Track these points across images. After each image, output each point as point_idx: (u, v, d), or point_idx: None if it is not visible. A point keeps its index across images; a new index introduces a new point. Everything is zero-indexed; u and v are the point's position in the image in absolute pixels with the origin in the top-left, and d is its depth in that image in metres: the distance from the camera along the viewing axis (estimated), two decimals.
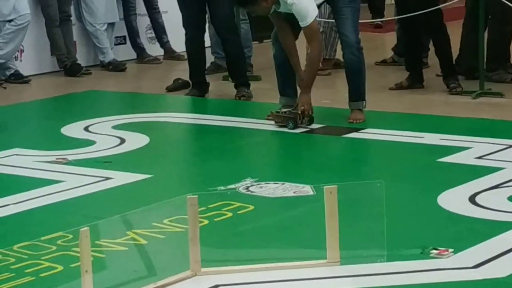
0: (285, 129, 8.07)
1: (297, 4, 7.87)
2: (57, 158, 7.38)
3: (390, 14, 11.38)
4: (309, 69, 8.29)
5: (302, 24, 8.04)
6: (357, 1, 8.46)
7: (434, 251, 5.07)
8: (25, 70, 10.98)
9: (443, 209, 5.83)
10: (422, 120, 8.25)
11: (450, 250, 5.07)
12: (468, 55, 9.56)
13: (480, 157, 6.95)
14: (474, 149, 7.15)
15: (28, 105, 9.73)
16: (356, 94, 8.47)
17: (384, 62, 11.02)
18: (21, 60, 10.99)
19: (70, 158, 7.39)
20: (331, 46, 10.65)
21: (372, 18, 13.46)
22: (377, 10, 13.83)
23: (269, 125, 8.23)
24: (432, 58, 9.93)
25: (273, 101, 8.58)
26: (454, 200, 5.98)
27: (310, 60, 8.36)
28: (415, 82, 9.59)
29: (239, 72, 9.41)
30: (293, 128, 7.90)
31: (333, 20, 10.11)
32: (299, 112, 8.02)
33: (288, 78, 8.52)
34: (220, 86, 9.67)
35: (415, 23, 9.43)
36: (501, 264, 4.90)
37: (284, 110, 8.22)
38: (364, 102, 8.45)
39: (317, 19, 9.48)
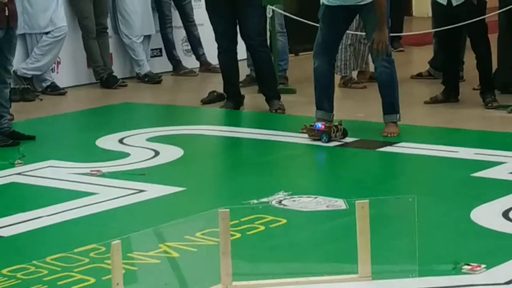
0: (320, 143, 8.07)
1: None
2: (91, 170, 7.40)
3: (424, 27, 11.33)
4: (378, 9, 8.18)
5: None
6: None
7: (466, 266, 5.05)
8: (61, 82, 11.02)
9: (476, 224, 5.81)
10: (457, 135, 8.23)
11: (483, 265, 5.05)
12: (504, 70, 9.52)
13: None
14: (508, 164, 7.12)
15: (64, 117, 9.77)
16: (389, 107, 8.45)
17: (419, 76, 10.98)
18: (57, 72, 11.03)
19: (104, 170, 7.41)
20: (361, 59, 10.62)
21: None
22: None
23: (303, 138, 8.22)
24: (467, 72, 9.88)
25: (308, 115, 8.58)
26: (487, 215, 5.96)
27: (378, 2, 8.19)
28: (450, 96, 9.56)
29: (271, 86, 9.40)
30: (327, 142, 7.89)
31: (361, 33, 10.16)
32: (334, 125, 8.07)
33: (326, 92, 8.53)
34: (255, 99, 9.67)
35: (456, 36, 9.41)
36: None
37: (317, 123, 8.15)
38: (398, 115, 8.43)
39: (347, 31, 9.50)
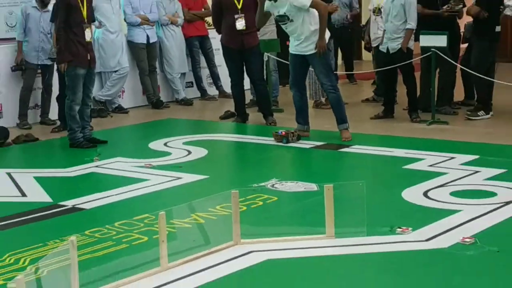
0: (299, 145, 8.06)
1: None
2: (145, 164, 7.42)
3: (370, 68, 11.33)
4: (321, 23, 8.09)
5: (305, 7, 8.00)
6: (326, 57, 8.38)
7: (398, 229, 5.11)
8: (125, 104, 10.99)
9: (406, 201, 5.87)
10: (392, 140, 8.22)
11: (410, 228, 5.11)
12: (424, 97, 9.50)
13: (431, 165, 6.93)
14: (427, 160, 7.12)
15: (127, 128, 9.77)
16: (340, 119, 8.40)
17: (367, 100, 10.96)
18: (122, 98, 11.00)
19: (154, 164, 7.42)
20: (321, 90, 10.60)
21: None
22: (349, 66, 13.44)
23: (290, 143, 8.21)
24: (399, 98, 9.88)
25: (292, 126, 8.56)
26: (413, 194, 5.99)
27: (320, 18, 8.09)
28: (388, 114, 9.53)
29: (266, 107, 9.35)
30: (286, 143, 8.05)
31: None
32: (291, 132, 8.22)
33: (301, 112, 8.57)
34: (256, 116, 9.65)
35: (392, 74, 9.41)
36: (445, 238, 4.94)
37: (280, 131, 8.28)
38: (347, 124, 8.36)
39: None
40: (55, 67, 8.96)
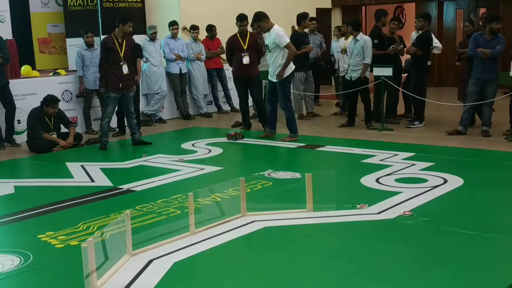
0: (287, 145, 8.06)
1: (281, 35, 8.04)
2: (178, 159, 7.39)
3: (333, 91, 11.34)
4: (286, 60, 8.12)
5: (281, 45, 8.05)
6: (283, 84, 8.26)
7: (358, 205, 5.11)
8: (164, 116, 10.97)
9: (363, 185, 5.86)
10: (353, 142, 8.18)
11: (366, 205, 5.09)
12: (376, 110, 9.51)
13: (381, 160, 6.91)
14: (378, 156, 7.11)
15: (165, 134, 9.76)
16: (292, 129, 8.45)
17: (335, 114, 10.95)
18: (162, 112, 10.98)
19: (184, 159, 7.39)
20: (308, 105, 10.57)
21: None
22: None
23: (283, 143, 8.21)
24: (358, 111, 9.86)
25: (282, 132, 8.56)
26: (368, 180, 5.98)
27: (287, 56, 8.11)
28: (351, 123, 9.50)
29: (264, 118, 9.26)
30: (235, 140, 8.44)
31: (300, 92, 10.15)
32: (239, 132, 8.65)
33: (271, 120, 8.66)
34: (257, 125, 9.64)
35: (353, 95, 9.38)
36: (391, 212, 4.93)
37: (231, 132, 8.66)
38: (295, 134, 8.43)
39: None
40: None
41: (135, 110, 9.42)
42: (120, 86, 8.14)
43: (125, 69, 8.13)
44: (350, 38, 9.67)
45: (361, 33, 9.32)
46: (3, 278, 3.80)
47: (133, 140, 8.46)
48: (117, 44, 8.07)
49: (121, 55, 8.08)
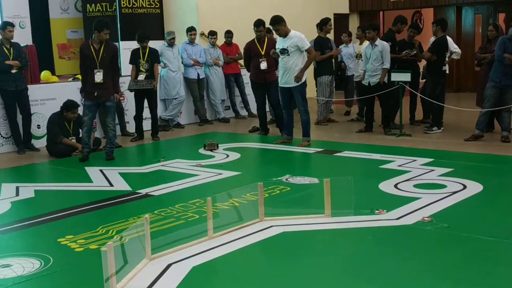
0: (305, 150, 8.05)
1: (303, 38, 8.16)
2: (196, 164, 7.41)
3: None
4: (306, 62, 8.23)
5: (303, 48, 8.15)
6: (301, 87, 8.28)
7: (376, 211, 5.09)
8: (182, 122, 11.00)
9: (381, 190, 5.83)
10: (371, 147, 8.16)
11: (385, 210, 5.08)
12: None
13: (400, 165, 6.89)
14: (396, 162, 7.09)
15: (183, 138, 9.80)
16: (305, 133, 8.48)
17: (352, 120, 10.90)
18: (180, 117, 11.02)
19: (202, 164, 7.41)
20: (326, 111, 10.59)
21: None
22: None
23: (300, 149, 8.20)
24: (376, 117, 9.82)
25: (298, 137, 8.58)
26: (386, 186, 5.96)
27: (308, 59, 8.23)
28: (368, 128, 9.49)
29: (281, 123, 9.23)
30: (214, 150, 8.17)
31: (326, 99, 10.16)
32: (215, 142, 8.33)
33: (288, 126, 8.68)
34: (274, 130, 9.64)
35: (372, 100, 9.35)
36: (410, 217, 4.91)
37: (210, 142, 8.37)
38: (308, 137, 8.46)
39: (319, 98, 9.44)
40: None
41: (153, 114, 9.52)
42: (95, 94, 7.75)
43: (98, 77, 7.70)
44: (366, 43, 9.66)
45: (378, 38, 9.30)
46: (24, 281, 3.84)
47: (105, 153, 8.02)
48: (93, 50, 7.72)
49: (97, 62, 7.72)
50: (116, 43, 10.91)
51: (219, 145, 8.34)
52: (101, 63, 7.74)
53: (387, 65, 9.07)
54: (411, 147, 8.11)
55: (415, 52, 9.51)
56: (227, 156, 7.87)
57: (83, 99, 8.01)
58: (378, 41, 9.16)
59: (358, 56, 10.49)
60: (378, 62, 9.11)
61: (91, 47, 7.75)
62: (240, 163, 7.54)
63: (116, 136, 8.29)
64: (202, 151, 8.25)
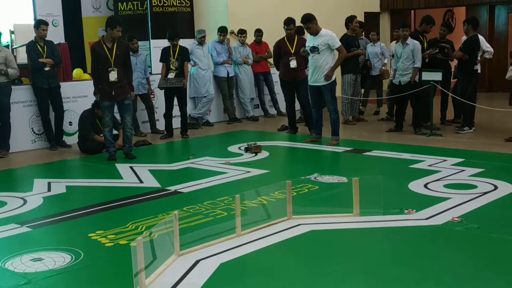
0: (334, 149, 8.03)
1: (334, 37, 8.22)
2: (225, 161, 7.44)
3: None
4: (337, 61, 8.28)
5: (334, 47, 8.21)
6: (331, 86, 8.29)
7: (406, 210, 5.06)
8: (211, 120, 11.03)
9: (411, 190, 5.79)
10: (401, 147, 8.10)
11: (414, 210, 5.05)
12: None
13: (430, 165, 6.83)
14: (427, 162, 7.03)
15: (212, 136, 9.83)
16: (334, 132, 8.47)
17: (382, 119, 10.83)
18: (209, 115, 11.06)
19: (231, 162, 7.44)
20: (353, 110, 10.54)
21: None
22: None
23: (329, 148, 8.18)
24: (406, 116, 9.75)
25: (327, 136, 8.57)
26: (416, 186, 5.92)
27: (339, 57, 8.31)
28: (398, 128, 9.42)
29: (310, 122, 9.19)
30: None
31: (352, 97, 10.12)
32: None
33: (317, 125, 8.66)
34: (303, 128, 9.63)
35: (402, 100, 9.28)
36: (439, 217, 4.87)
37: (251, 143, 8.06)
38: (337, 136, 8.46)
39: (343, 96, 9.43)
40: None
41: (183, 112, 9.57)
42: (113, 93, 7.66)
43: (112, 76, 7.59)
44: (397, 42, 9.61)
45: (409, 37, 9.24)
46: (55, 274, 3.90)
47: (124, 152, 7.96)
48: (106, 49, 7.60)
49: (112, 60, 7.60)
50: (147, 42, 11.07)
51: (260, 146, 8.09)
52: (115, 62, 7.63)
53: (418, 64, 9.00)
54: (441, 147, 8.03)
55: (436, 51, 9.41)
56: (256, 154, 7.88)
57: (99, 100, 7.85)
58: (410, 40, 9.10)
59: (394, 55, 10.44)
60: (409, 61, 9.05)
61: (104, 46, 7.63)
62: (269, 161, 7.54)
63: (133, 135, 8.28)
64: (239, 151, 8.25)
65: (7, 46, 9.24)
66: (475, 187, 5.78)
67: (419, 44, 9.10)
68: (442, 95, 9.76)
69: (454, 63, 9.87)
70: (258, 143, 8.20)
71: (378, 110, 11.53)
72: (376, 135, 9.15)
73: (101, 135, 8.37)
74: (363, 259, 4.06)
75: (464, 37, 9.50)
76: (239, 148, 8.33)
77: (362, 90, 11.07)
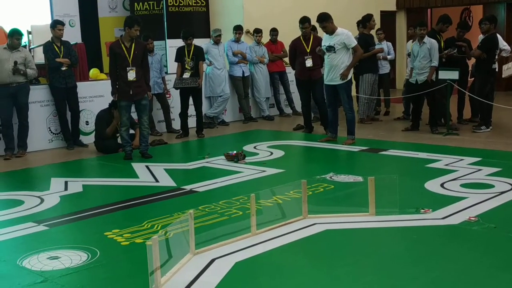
0: (349, 148, 8.00)
1: (350, 36, 8.21)
2: (240, 161, 7.43)
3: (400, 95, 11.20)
4: (353, 60, 8.25)
5: (350, 46, 8.18)
6: (347, 85, 8.28)
7: (422, 210, 5.03)
8: (227, 119, 11.05)
9: (427, 190, 5.75)
10: (418, 146, 8.06)
11: (430, 209, 5.02)
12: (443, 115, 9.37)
13: (446, 165, 6.79)
14: (443, 161, 6.98)
15: (228, 136, 9.83)
16: (350, 131, 8.44)
17: (398, 119, 10.76)
18: (225, 114, 11.08)
19: (246, 161, 7.44)
20: (370, 109, 10.50)
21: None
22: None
23: (345, 147, 8.17)
24: (423, 116, 9.69)
25: (343, 135, 8.54)
26: (432, 185, 5.88)
27: (355, 56, 8.26)
28: (415, 127, 9.38)
29: (326, 121, 9.17)
30: (237, 162, 7.30)
31: (371, 97, 10.08)
32: (241, 152, 7.57)
33: (332, 124, 8.64)
34: (319, 128, 9.62)
35: (418, 99, 9.23)
36: (456, 217, 4.84)
37: (230, 152, 7.54)
38: (353, 136, 8.42)
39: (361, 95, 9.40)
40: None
41: (198, 111, 9.59)
42: (131, 93, 7.69)
43: (131, 75, 7.63)
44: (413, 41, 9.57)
45: (427, 36, 9.18)
46: (71, 273, 3.93)
47: (140, 152, 7.98)
48: (124, 49, 7.64)
49: (130, 60, 7.64)
50: (163, 41, 11.11)
51: (243, 155, 7.58)
52: (133, 61, 7.66)
53: (435, 63, 8.95)
54: (458, 146, 7.98)
55: (455, 51, 9.35)
56: (271, 153, 7.88)
57: (117, 100, 7.84)
58: (427, 39, 9.05)
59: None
60: (426, 60, 9.00)
61: (122, 45, 7.67)
62: (284, 160, 7.53)
63: (149, 134, 8.30)
64: (254, 150, 8.24)
65: (24, 47, 9.31)
66: (492, 186, 5.73)
67: (437, 43, 9.04)
68: (459, 94, 9.71)
69: (471, 62, 9.80)
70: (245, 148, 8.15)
71: (388, 111, 11.45)
72: (392, 135, 9.12)
73: (118, 135, 8.41)
74: (379, 259, 4.04)
75: (481, 36, 9.44)
76: (255, 147, 8.34)
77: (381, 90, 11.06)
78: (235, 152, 7.56)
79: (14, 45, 8.31)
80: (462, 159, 7.02)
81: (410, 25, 11.27)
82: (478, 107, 9.45)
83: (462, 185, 5.82)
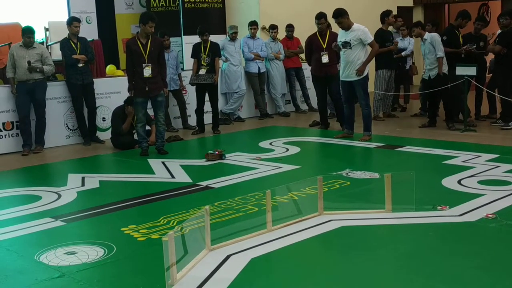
0: (365, 144, 7.97)
1: (366, 32, 8.17)
2: (256, 157, 7.44)
3: (417, 91, 11.14)
4: (369, 56, 8.23)
5: (366, 42, 8.16)
6: (363, 81, 8.23)
7: (439, 207, 4.99)
8: (243, 115, 11.08)
9: (444, 186, 5.72)
10: (435, 142, 8.02)
11: (447, 206, 4.98)
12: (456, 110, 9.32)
13: (463, 161, 6.74)
14: (461, 157, 6.93)
15: (243, 132, 9.86)
16: (366, 128, 8.41)
17: (415, 115, 10.72)
18: (241, 111, 11.10)
19: (262, 157, 7.44)
20: (385, 106, 10.46)
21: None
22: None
23: (361, 143, 8.14)
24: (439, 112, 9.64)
25: (359, 132, 8.51)
26: (449, 182, 5.84)
27: (371, 52, 8.27)
28: (432, 123, 9.33)
29: (342, 117, 9.15)
30: (224, 159, 7.28)
31: (385, 92, 10.03)
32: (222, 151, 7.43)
33: (349, 120, 8.60)
34: (335, 124, 9.60)
35: (433, 95, 9.19)
36: (473, 214, 4.80)
37: (211, 151, 7.41)
38: (370, 132, 8.40)
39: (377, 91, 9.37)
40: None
41: (214, 108, 9.61)
42: (147, 89, 7.71)
43: (147, 72, 7.66)
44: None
45: (427, 32, 9.19)
46: (88, 268, 3.95)
47: (156, 148, 8.02)
48: (140, 45, 7.66)
49: (145, 56, 7.65)
50: (179, 38, 11.14)
51: (226, 155, 7.46)
52: (149, 57, 7.66)
53: (440, 53, 8.95)
54: (475, 142, 7.93)
55: (474, 47, 9.28)
56: (287, 150, 7.88)
57: (133, 96, 7.83)
58: (427, 35, 9.12)
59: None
60: (432, 54, 9.02)
61: (138, 41, 7.69)
62: (300, 157, 7.52)
63: (165, 130, 8.31)
64: (270, 146, 8.25)
65: (42, 43, 9.38)
66: (510, 183, 5.67)
67: (436, 35, 9.08)
68: (476, 90, 9.63)
69: (489, 58, 9.72)
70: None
71: (405, 107, 11.40)
72: (408, 131, 9.07)
73: (134, 131, 8.45)
74: (395, 255, 4.03)
75: (499, 31, 9.35)
76: (271, 144, 8.33)
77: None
78: (217, 150, 7.45)
79: (27, 43, 8.37)
80: (479, 156, 6.97)
81: (428, 21, 11.19)
82: (503, 104, 9.34)
83: (480, 182, 5.77)
